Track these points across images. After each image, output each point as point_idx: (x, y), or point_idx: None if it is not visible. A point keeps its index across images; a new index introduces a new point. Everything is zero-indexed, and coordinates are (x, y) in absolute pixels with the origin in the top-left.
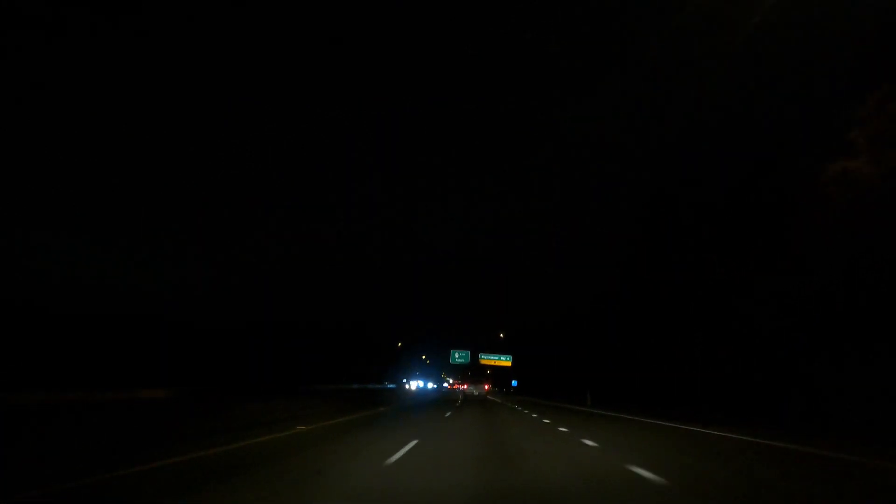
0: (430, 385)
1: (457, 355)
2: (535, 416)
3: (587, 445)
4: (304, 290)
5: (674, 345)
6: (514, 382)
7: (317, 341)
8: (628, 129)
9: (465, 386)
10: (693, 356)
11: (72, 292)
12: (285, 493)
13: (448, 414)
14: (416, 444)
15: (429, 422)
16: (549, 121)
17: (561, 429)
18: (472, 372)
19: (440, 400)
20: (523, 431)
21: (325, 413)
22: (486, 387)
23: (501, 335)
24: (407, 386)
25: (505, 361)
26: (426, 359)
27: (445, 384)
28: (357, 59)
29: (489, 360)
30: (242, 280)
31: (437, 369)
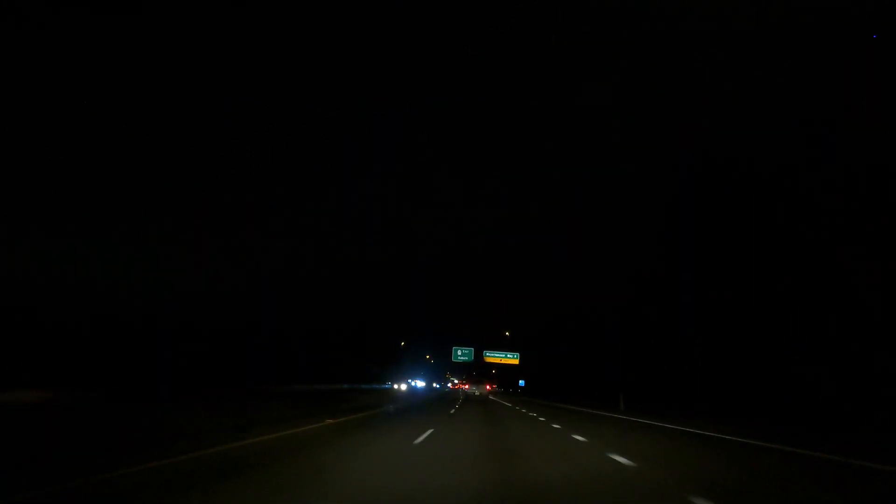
0: (434, 385)
1: (459, 353)
2: (580, 438)
3: None
4: (304, 290)
5: (674, 345)
6: (521, 382)
7: (316, 341)
8: (633, 128)
9: (467, 386)
10: (693, 356)
11: (71, 293)
12: None
13: (421, 438)
14: None
15: (362, 468)
16: (551, 119)
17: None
18: (477, 371)
19: (433, 403)
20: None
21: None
22: (488, 387)
23: (507, 333)
24: (396, 386)
25: (511, 359)
26: (430, 358)
27: (449, 384)
28: (357, 59)
29: (494, 357)
30: (242, 280)
31: (441, 369)
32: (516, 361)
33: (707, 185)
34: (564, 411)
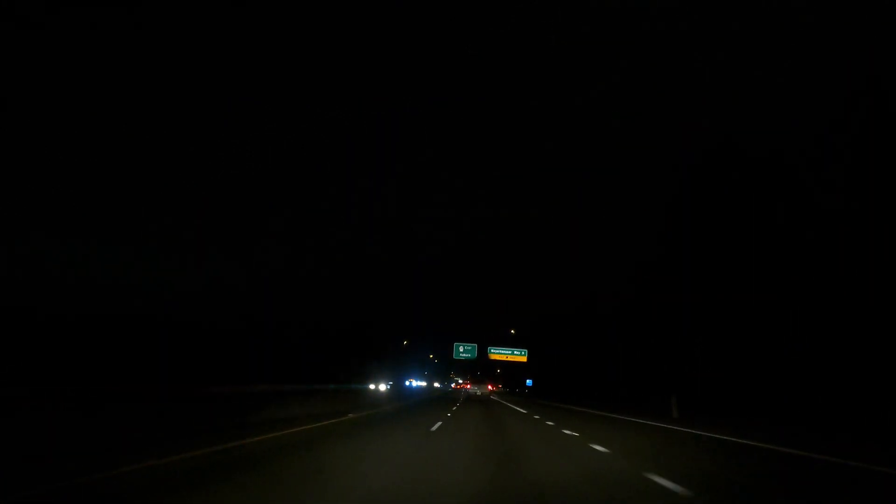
0: (434, 384)
1: (461, 349)
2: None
3: None
4: (304, 290)
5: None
6: (528, 382)
7: (317, 341)
8: (633, 128)
9: (469, 386)
10: (693, 356)
11: (71, 292)
12: None
13: None
14: None
15: None
16: (551, 119)
17: None
18: (481, 370)
19: (422, 408)
20: None
21: None
22: (490, 387)
23: (512, 331)
24: (373, 387)
25: (519, 356)
26: (433, 357)
27: (452, 384)
28: (357, 59)
29: (499, 354)
30: (242, 280)
31: (444, 368)
32: (524, 359)
33: (707, 184)
34: (608, 422)
